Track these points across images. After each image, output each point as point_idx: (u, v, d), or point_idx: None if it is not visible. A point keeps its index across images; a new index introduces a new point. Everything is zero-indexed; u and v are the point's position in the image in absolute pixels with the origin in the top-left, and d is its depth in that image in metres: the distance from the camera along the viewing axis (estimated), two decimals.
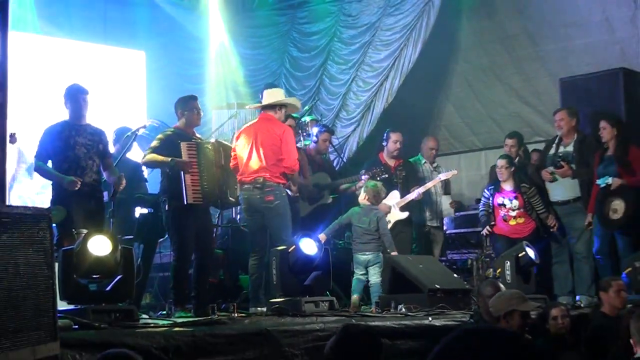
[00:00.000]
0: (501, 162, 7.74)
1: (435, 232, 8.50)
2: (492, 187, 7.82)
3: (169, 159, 6.18)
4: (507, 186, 7.70)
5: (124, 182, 6.21)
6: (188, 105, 6.48)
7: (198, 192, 6.22)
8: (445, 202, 8.80)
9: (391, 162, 8.31)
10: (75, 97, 6.26)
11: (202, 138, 6.70)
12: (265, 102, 6.80)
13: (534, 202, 7.60)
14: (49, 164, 6.17)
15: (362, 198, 7.16)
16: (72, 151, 6.14)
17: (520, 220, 7.62)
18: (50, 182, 6.26)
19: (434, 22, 9.59)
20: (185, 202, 6.15)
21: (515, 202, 7.60)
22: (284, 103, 6.82)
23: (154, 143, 6.37)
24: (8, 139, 6.65)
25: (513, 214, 7.62)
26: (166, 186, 6.38)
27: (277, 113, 6.74)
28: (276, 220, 6.49)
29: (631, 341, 4.04)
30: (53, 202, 6.13)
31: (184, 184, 6.15)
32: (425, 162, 8.57)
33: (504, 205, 7.66)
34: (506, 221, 7.67)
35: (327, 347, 2.86)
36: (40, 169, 6.21)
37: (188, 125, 6.49)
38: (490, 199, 7.78)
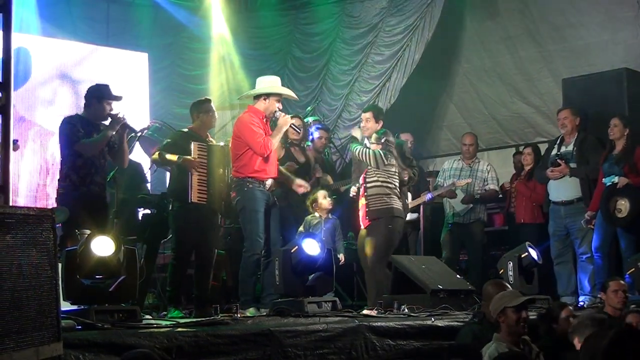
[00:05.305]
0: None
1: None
2: None
3: (177, 156, 6.18)
4: None
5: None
6: (204, 107, 6.53)
7: (204, 192, 6.22)
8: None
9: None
10: (101, 99, 6.07)
11: (214, 140, 6.67)
12: (253, 92, 6.63)
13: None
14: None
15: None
16: None
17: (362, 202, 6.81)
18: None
19: (437, 23, 9.58)
20: (190, 201, 6.15)
21: None
22: (267, 92, 6.48)
23: (166, 142, 6.38)
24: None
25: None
26: (172, 187, 6.45)
27: (261, 103, 6.49)
28: (240, 216, 6.48)
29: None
30: (60, 201, 5.96)
31: (190, 183, 6.15)
32: None
33: None
34: None
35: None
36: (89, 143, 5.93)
37: (203, 127, 6.51)
38: None
